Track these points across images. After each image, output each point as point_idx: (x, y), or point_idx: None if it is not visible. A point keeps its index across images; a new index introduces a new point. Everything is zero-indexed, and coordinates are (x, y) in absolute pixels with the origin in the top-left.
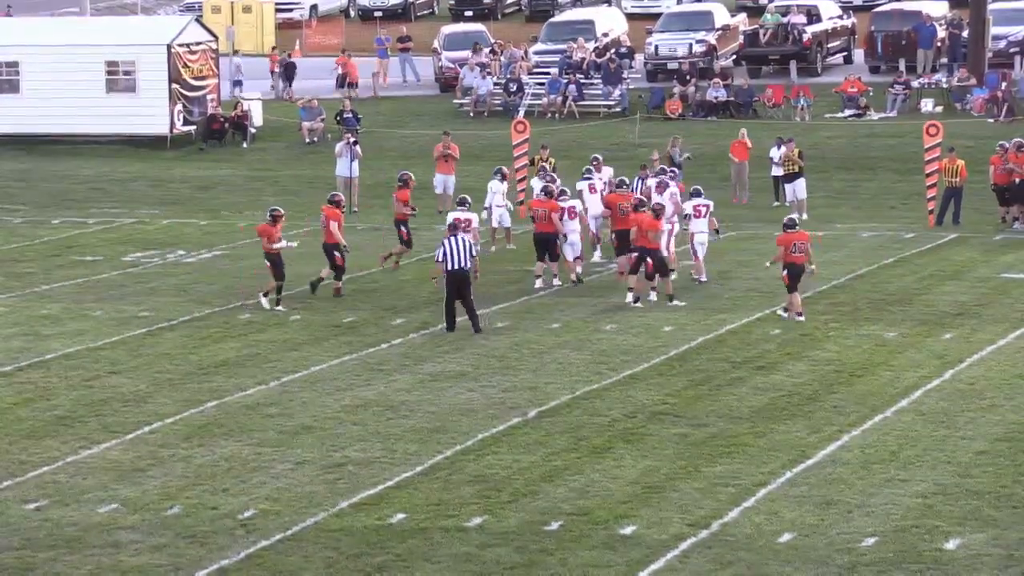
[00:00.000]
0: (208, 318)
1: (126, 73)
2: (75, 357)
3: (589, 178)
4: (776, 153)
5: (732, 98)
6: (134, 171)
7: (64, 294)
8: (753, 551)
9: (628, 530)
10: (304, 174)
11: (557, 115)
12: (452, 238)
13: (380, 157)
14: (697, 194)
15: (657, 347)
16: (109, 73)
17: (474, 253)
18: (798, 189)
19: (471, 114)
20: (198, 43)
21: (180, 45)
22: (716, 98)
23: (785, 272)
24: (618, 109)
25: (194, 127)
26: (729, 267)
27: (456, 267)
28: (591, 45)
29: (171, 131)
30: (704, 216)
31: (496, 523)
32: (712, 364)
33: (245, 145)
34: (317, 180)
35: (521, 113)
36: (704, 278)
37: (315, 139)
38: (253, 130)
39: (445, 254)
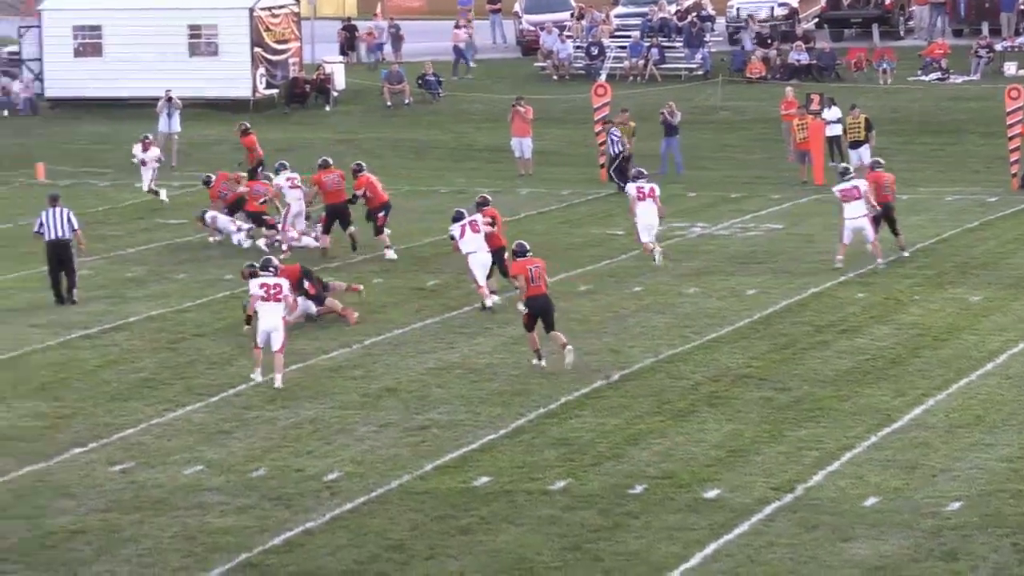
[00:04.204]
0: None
1: (208, 37)
2: (159, 320)
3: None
4: (829, 113)
5: (814, 61)
6: (216, 134)
7: (148, 257)
8: (837, 515)
9: (712, 494)
10: (386, 137)
11: (638, 78)
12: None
13: (462, 120)
14: (640, 176)
15: (741, 310)
16: (192, 37)
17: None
18: (864, 155)
19: (554, 77)
20: (280, 7)
21: (262, 9)
22: (798, 61)
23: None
24: (700, 72)
25: (276, 90)
26: (813, 230)
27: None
28: (673, 8)
29: (253, 95)
30: (648, 199)
31: (580, 486)
32: (796, 328)
33: (328, 108)
34: (400, 143)
35: (603, 76)
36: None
37: (405, 102)
38: (335, 93)
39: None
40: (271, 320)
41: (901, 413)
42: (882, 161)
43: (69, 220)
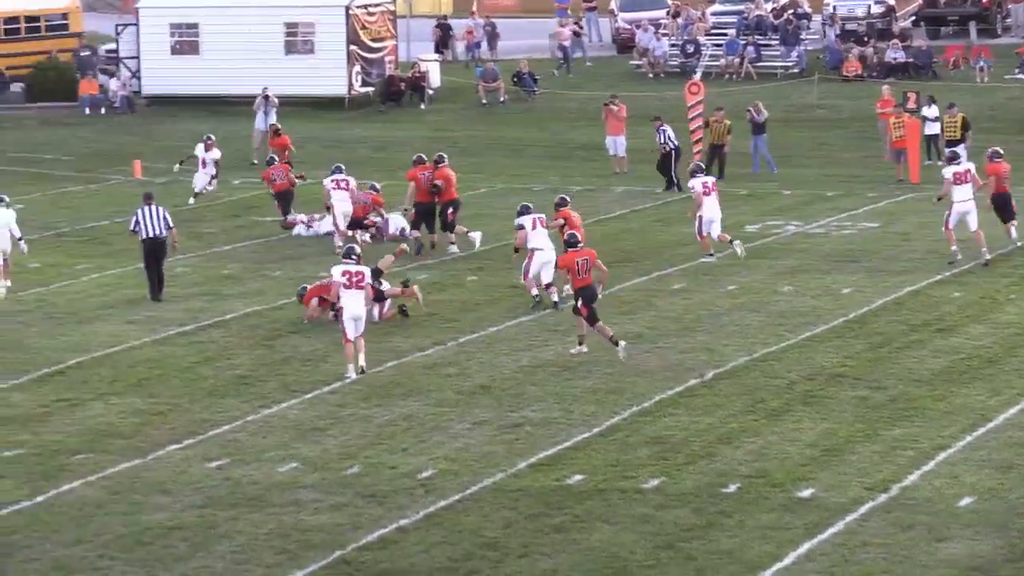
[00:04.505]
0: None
1: (305, 35)
2: (255, 317)
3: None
4: (928, 111)
5: (911, 60)
6: (312, 132)
7: (244, 254)
8: (932, 515)
9: (806, 493)
10: (480, 135)
11: (734, 76)
12: None
13: (557, 119)
14: (699, 171)
15: (835, 309)
16: (288, 35)
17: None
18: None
19: (649, 75)
20: (376, 5)
21: (358, 7)
22: (895, 59)
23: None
24: (796, 70)
25: (372, 88)
26: (909, 229)
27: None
28: (769, 5)
29: (349, 92)
30: (712, 193)
31: (673, 485)
32: (891, 326)
33: (423, 106)
34: (495, 141)
35: (698, 74)
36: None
37: (500, 100)
38: (431, 91)
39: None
40: (355, 307)
41: (996, 413)
42: (1001, 151)
43: (165, 218)
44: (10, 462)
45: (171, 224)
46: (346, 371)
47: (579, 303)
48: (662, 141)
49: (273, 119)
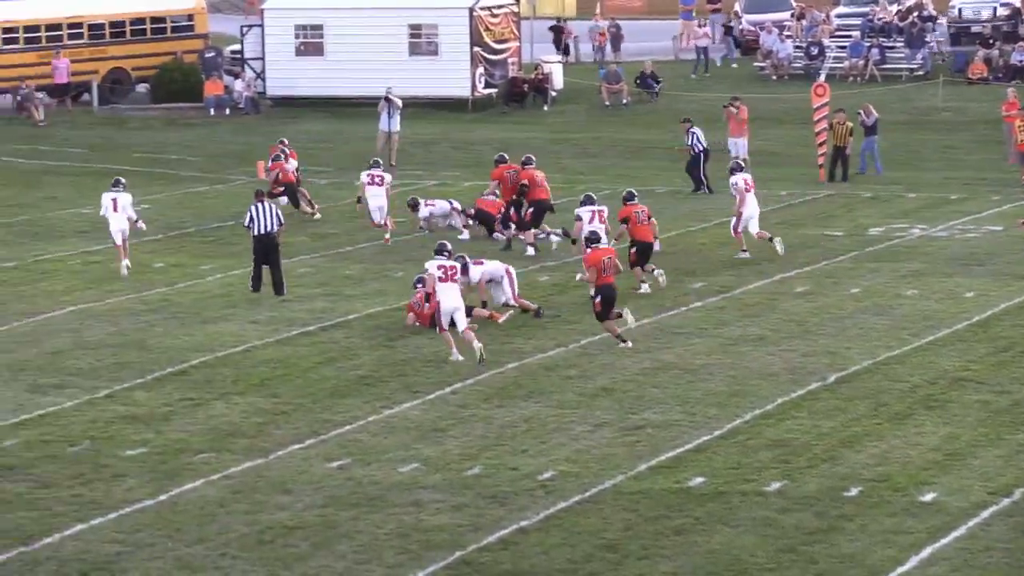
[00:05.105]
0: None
1: (429, 36)
2: (377, 317)
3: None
4: None
5: None
6: (436, 133)
7: (366, 255)
8: None
9: (928, 497)
10: (603, 136)
11: (858, 78)
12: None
13: (679, 120)
14: (739, 168)
15: (959, 313)
16: (412, 36)
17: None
18: None
19: (772, 77)
20: (500, 6)
21: (482, 9)
22: (1020, 62)
23: None
24: (921, 73)
25: (495, 90)
26: None
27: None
28: (894, 8)
29: (472, 94)
30: (752, 189)
31: (795, 488)
32: (1015, 331)
33: (546, 108)
34: (617, 143)
35: (822, 76)
36: None
37: (623, 101)
38: (553, 93)
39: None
40: (452, 300)
41: None
42: None
43: (277, 215)
44: (134, 461)
45: (282, 220)
46: (451, 354)
47: (597, 299)
48: (691, 143)
49: (397, 121)
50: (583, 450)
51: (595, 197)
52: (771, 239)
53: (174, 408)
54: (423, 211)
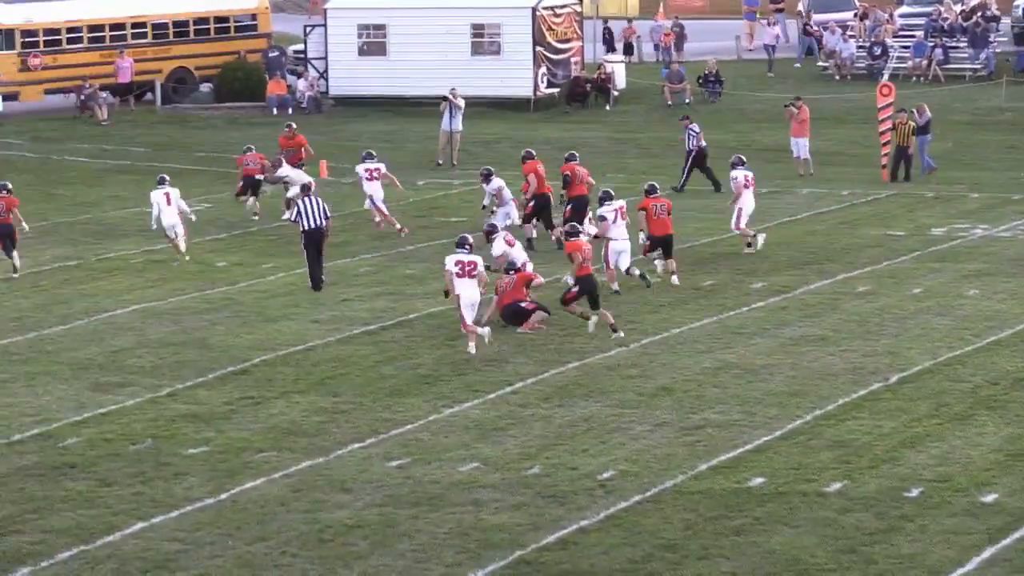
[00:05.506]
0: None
1: (491, 36)
2: (438, 317)
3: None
4: None
5: None
6: (498, 133)
7: (428, 255)
8: None
9: (990, 498)
10: (665, 136)
11: (921, 78)
12: None
13: (741, 120)
14: (741, 163)
15: (1021, 314)
16: (475, 36)
17: None
18: None
19: (835, 77)
20: (562, 6)
21: (545, 8)
22: None
23: None
24: (984, 73)
25: (557, 90)
26: None
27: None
28: (958, 8)
29: (535, 93)
30: (751, 186)
31: (855, 488)
32: None
33: (608, 108)
34: (680, 143)
35: (885, 76)
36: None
37: (686, 101)
38: (616, 93)
39: None
40: (471, 294)
41: None
42: None
43: (324, 209)
44: (195, 459)
45: (329, 215)
46: (468, 347)
47: (574, 288)
48: (688, 140)
49: (459, 121)
50: (643, 450)
51: (613, 193)
52: (755, 235)
53: (235, 407)
54: (494, 183)
